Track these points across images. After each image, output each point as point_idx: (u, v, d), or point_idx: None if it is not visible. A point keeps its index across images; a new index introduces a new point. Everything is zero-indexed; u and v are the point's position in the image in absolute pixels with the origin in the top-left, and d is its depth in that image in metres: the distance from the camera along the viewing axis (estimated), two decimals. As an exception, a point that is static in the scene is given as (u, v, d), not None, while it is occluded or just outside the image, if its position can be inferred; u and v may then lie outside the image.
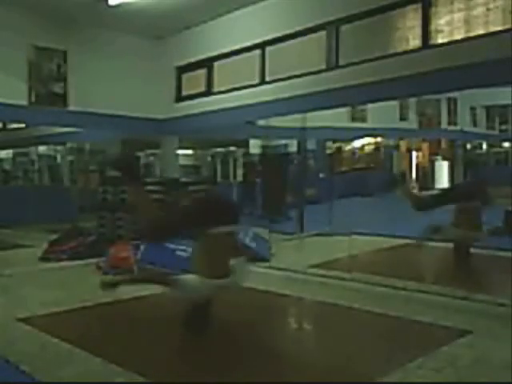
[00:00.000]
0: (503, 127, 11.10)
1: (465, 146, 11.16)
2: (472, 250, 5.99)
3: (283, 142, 10.60)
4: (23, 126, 9.83)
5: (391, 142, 12.72)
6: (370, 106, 7.95)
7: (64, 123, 7.21)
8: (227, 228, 3.61)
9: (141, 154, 14.58)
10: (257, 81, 6.18)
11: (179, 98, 7.39)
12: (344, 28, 5.31)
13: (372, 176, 12.21)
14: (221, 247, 3.60)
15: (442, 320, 3.90)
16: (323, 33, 5.45)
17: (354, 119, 8.88)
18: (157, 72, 7.34)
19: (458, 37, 4.48)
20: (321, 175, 11.32)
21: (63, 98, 6.58)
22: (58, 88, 6.52)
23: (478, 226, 5.90)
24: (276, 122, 7.13)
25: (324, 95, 5.36)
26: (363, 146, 13.14)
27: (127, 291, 4.98)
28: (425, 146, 12.08)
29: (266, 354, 3.34)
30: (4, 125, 10.59)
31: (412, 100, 9.27)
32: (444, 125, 10.01)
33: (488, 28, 4.28)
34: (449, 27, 4.55)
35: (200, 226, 3.58)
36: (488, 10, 4.28)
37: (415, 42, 4.78)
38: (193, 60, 7.05)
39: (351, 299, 4.57)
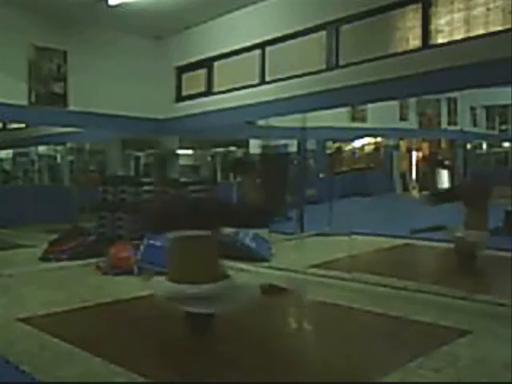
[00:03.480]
0: (503, 127, 11.10)
1: (465, 146, 11.15)
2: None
3: (283, 141, 10.58)
4: (23, 125, 9.82)
5: (391, 142, 12.72)
6: (369, 106, 7.94)
7: (64, 123, 7.20)
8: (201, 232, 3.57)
9: (141, 154, 14.57)
10: (257, 81, 6.18)
11: (179, 98, 7.38)
12: (344, 28, 5.31)
13: (372, 176, 12.21)
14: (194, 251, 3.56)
15: (442, 320, 3.90)
16: (323, 33, 5.45)
17: (354, 119, 8.87)
18: (157, 72, 7.34)
19: (458, 37, 4.48)
20: (321, 175, 11.32)
21: (63, 98, 6.57)
22: (57, 88, 6.52)
23: (485, 226, 5.84)
24: (276, 122, 7.13)
25: (324, 95, 5.35)
26: (363, 145, 13.13)
27: (127, 291, 5.00)
28: (425, 145, 12.08)
29: (266, 354, 3.34)
30: (4, 125, 10.58)
31: (412, 100, 9.26)
32: (444, 125, 10.00)
33: (488, 28, 4.28)
34: (449, 27, 4.54)
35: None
36: (488, 9, 4.28)
37: (415, 42, 4.77)
38: (193, 60, 7.04)
39: (351, 299, 4.57)
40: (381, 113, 8.52)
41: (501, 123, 11.11)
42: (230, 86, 6.52)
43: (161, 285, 3.72)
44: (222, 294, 3.50)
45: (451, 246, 5.98)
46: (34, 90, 6.33)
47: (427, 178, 7.73)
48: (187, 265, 3.54)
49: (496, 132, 11.19)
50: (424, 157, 11.46)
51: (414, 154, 12.36)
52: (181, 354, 3.42)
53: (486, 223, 5.82)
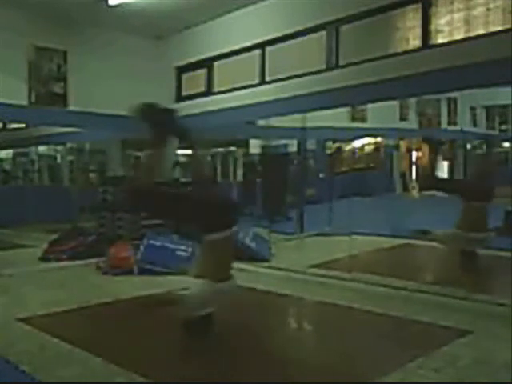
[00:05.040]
0: (503, 127, 11.09)
1: (465, 146, 11.14)
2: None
3: (283, 141, 10.59)
4: (23, 125, 9.81)
5: (391, 142, 12.71)
6: (369, 106, 7.95)
7: (64, 123, 7.20)
8: (230, 231, 3.58)
9: (141, 154, 14.54)
10: (257, 81, 6.19)
11: (179, 98, 7.39)
12: (344, 28, 5.31)
13: (372, 176, 12.20)
14: (225, 250, 3.58)
15: (442, 320, 3.90)
16: (323, 33, 5.45)
17: (354, 119, 8.87)
18: (157, 72, 7.34)
19: (458, 37, 4.49)
20: (321, 175, 11.31)
21: (63, 98, 6.58)
22: (57, 88, 6.52)
23: (484, 227, 5.81)
24: (276, 122, 7.13)
25: (324, 95, 5.36)
26: (363, 145, 13.12)
27: (127, 291, 5.00)
28: (425, 145, 12.07)
29: (266, 354, 3.35)
30: (4, 125, 10.57)
31: (412, 100, 9.26)
32: (444, 125, 10.01)
33: (488, 28, 4.29)
34: (449, 27, 4.55)
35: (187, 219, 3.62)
36: (488, 10, 4.28)
37: (415, 42, 4.78)
38: (193, 60, 7.05)
39: (351, 299, 4.57)
40: (381, 113, 8.52)
41: (501, 123, 11.10)
42: (230, 86, 6.53)
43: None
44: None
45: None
46: (34, 90, 6.34)
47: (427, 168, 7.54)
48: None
49: (496, 132, 11.18)
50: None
51: (414, 154, 12.36)
52: (181, 353, 3.42)
53: (485, 223, 5.81)
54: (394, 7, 4.92)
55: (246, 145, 12.08)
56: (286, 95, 5.72)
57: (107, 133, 8.10)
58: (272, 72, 6.03)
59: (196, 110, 6.97)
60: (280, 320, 4.34)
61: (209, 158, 14.49)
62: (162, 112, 3.78)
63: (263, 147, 10.53)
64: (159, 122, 3.71)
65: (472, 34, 4.39)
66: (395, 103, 8.94)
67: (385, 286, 4.87)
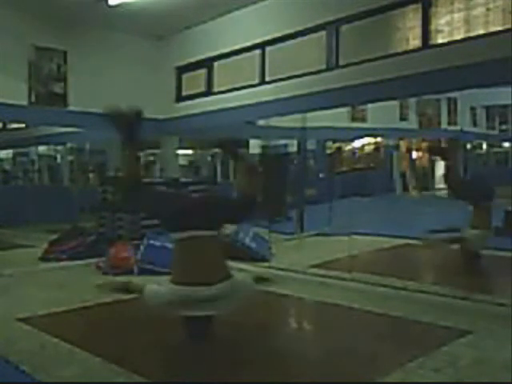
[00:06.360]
0: (503, 127, 11.11)
1: (465, 146, 11.16)
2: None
3: (283, 141, 10.59)
4: (23, 125, 9.82)
5: (391, 142, 12.73)
6: (369, 106, 7.95)
7: (64, 123, 7.21)
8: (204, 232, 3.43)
9: (141, 153, 14.54)
10: (257, 81, 6.19)
11: (179, 98, 7.39)
12: (344, 28, 5.31)
13: (372, 176, 12.21)
14: (190, 252, 3.43)
15: (442, 320, 3.90)
16: (323, 33, 5.46)
17: (354, 119, 8.87)
18: (157, 72, 7.34)
19: (458, 37, 4.49)
20: (321, 175, 11.32)
21: (63, 98, 6.58)
22: (57, 88, 6.52)
23: (490, 226, 5.84)
24: (276, 122, 7.13)
25: (324, 95, 5.36)
26: (363, 145, 13.13)
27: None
28: (425, 145, 12.08)
29: (266, 354, 3.34)
30: (4, 125, 10.57)
31: (412, 100, 9.27)
32: (444, 125, 10.02)
33: (488, 28, 4.29)
34: (449, 27, 4.55)
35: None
36: (488, 10, 4.28)
37: (415, 42, 4.78)
38: (193, 60, 7.05)
39: (351, 299, 4.57)
40: (381, 113, 8.53)
41: (501, 123, 11.12)
42: (230, 86, 6.53)
43: (159, 291, 3.51)
44: (223, 295, 3.40)
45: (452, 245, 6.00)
46: (34, 90, 6.34)
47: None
48: (194, 266, 3.41)
49: (496, 132, 11.20)
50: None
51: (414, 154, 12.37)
52: (181, 353, 3.42)
53: (490, 222, 5.81)
54: (394, 7, 4.93)
55: (246, 145, 12.08)
56: (285, 95, 5.72)
57: (107, 133, 8.10)
58: (272, 72, 6.03)
59: (196, 110, 6.98)
60: (280, 320, 4.34)
61: (209, 158, 14.52)
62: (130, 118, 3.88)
63: (263, 147, 10.54)
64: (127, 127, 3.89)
65: (472, 34, 4.39)
66: (395, 103, 8.96)
67: (385, 286, 4.87)
